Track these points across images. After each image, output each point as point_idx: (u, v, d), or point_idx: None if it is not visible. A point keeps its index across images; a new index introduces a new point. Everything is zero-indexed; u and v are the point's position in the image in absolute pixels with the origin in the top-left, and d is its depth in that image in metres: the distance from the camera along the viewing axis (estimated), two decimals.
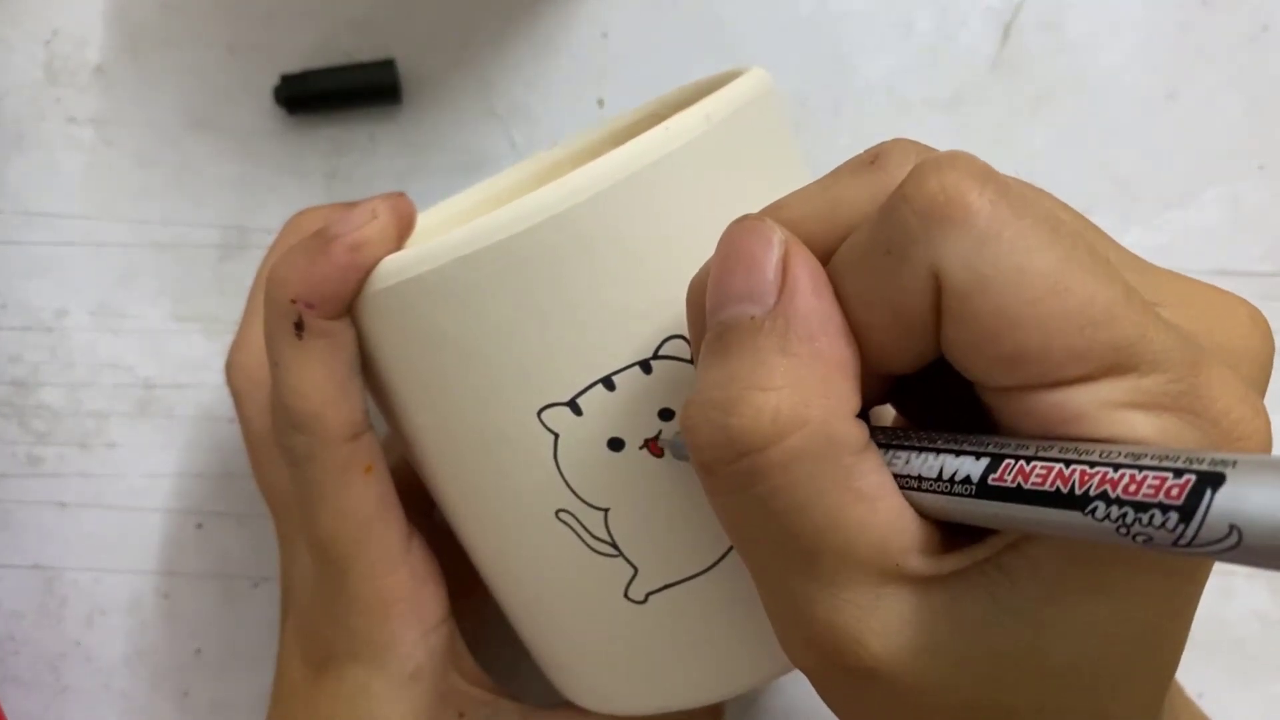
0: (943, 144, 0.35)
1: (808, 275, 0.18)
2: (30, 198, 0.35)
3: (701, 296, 0.19)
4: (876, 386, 0.19)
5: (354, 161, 0.35)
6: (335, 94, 0.34)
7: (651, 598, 0.24)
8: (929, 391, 0.20)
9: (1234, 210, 0.34)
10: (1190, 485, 0.14)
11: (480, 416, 0.23)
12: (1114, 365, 0.16)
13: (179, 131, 0.35)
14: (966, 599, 0.17)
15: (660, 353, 0.22)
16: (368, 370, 0.25)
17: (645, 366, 0.22)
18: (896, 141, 0.19)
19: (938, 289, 0.16)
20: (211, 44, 0.35)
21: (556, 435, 0.23)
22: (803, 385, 0.17)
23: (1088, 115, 0.34)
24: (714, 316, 0.18)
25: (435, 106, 0.35)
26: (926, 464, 0.17)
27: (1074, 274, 0.16)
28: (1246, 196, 0.34)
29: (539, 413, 0.23)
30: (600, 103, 0.35)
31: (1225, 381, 0.16)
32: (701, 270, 0.20)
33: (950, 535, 0.18)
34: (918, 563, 0.17)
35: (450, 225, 0.31)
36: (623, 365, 0.22)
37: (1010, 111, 0.34)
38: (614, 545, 0.24)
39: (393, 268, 0.23)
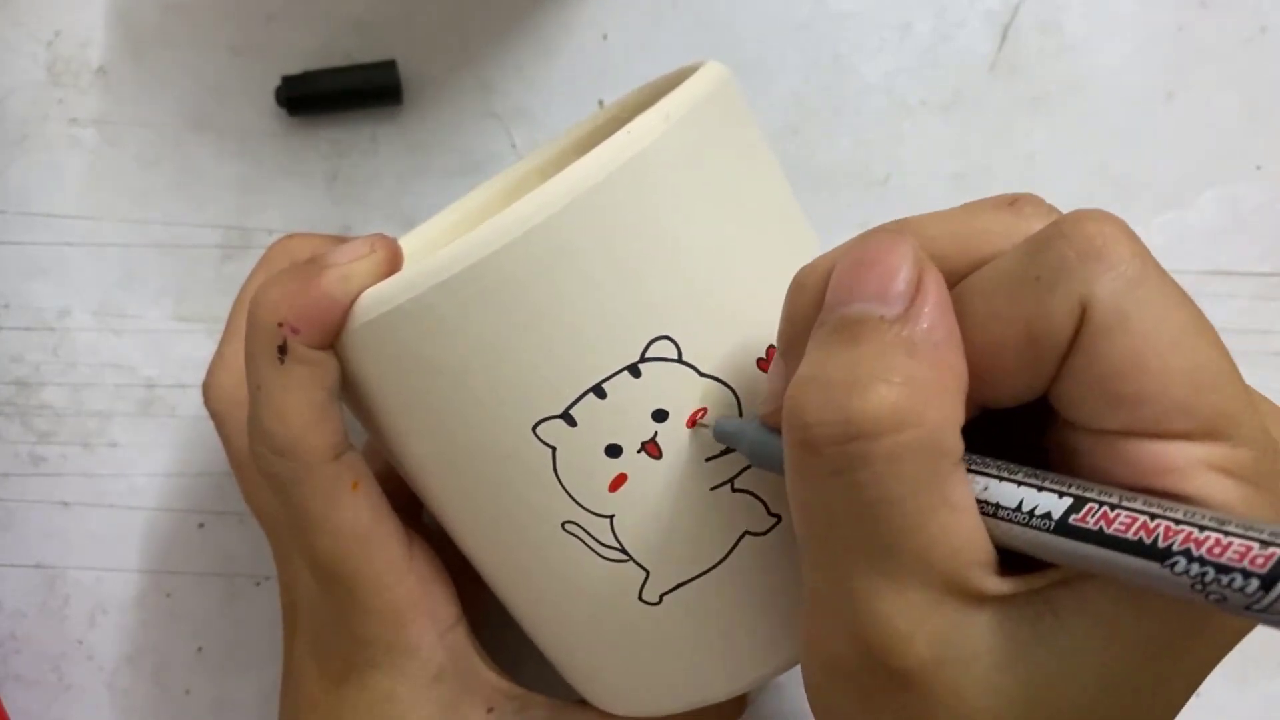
0: (942, 145, 0.35)
1: (939, 291, 0.19)
2: (32, 198, 0.36)
3: (805, 293, 0.20)
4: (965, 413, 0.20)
5: (355, 162, 0.35)
6: (336, 95, 0.34)
7: (665, 598, 0.24)
8: (998, 431, 0.21)
9: (1232, 211, 0.34)
10: (1277, 557, 0.15)
11: (476, 439, 0.23)
12: (1214, 430, 0.17)
13: (181, 132, 0.35)
14: (1013, 623, 0.18)
15: (647, 355, 0.22)
16: (359, 402, 0.25)
17: (634, 370, 0.22)
18: (1033, 195, 0.20)
19: (1080, 320, 0.17)
20: (213, 45, 0.35)
21: (554, 448, 0.23)
22: (924, 388, 0.18)
23: (1086, 116, 0.34)
24: (838, 309, 0.19)
25: (436, 107, 0.35)
26: (1007, 493, 0.18)
27: (1199, 336, 0.17)
28: (1244, 197, 0.34)
29: (534, 428, 0.23)
30: (601, 104, 0.35)
31: None
32: (812, 266, 0.20)
33: (1004, 563, 0.18)
34: (984, 579, 0.18)
35: (451, 234, 0.31)
36: (611, 372, 0.22)
37: (1009, 112, 0.34)
38: (623, 550, 0.24)
39: (373, 301, 0.23)
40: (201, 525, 0.35)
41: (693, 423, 0.23)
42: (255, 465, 0.25)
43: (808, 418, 0.18)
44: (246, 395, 0.25)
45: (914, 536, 0.18)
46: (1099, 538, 0.17)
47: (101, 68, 0.36)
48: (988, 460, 0.19)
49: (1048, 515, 0.17)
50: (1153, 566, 0.16)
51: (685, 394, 0.23)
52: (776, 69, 0.35)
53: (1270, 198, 0.34)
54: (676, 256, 0.22)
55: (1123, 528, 0.16)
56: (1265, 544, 0.15)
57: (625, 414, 0.23)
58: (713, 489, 0.23)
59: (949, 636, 0.18)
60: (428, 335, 0.22)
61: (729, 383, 0.23)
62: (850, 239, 0.20)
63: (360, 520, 0.25)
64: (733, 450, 0.23)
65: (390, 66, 0.34)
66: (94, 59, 0.35)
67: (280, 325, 0.23)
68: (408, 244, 0.29)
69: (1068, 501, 0.17)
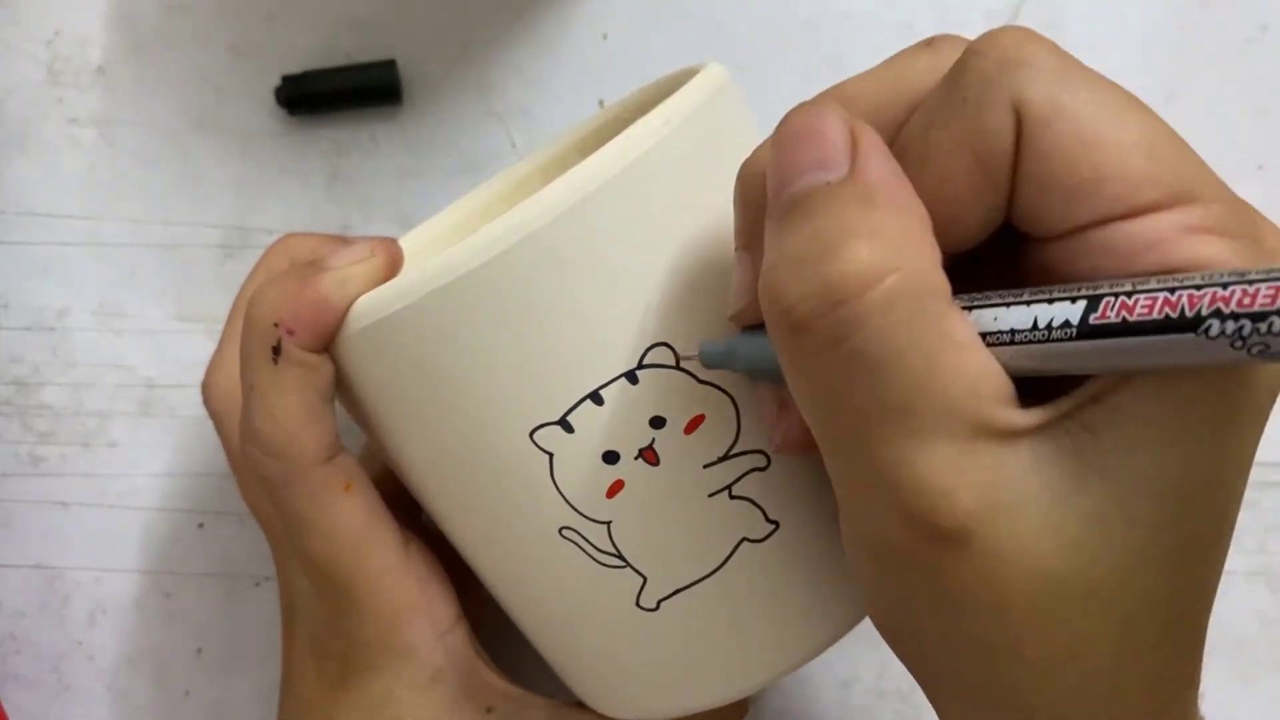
0: None
1: (875, 141, 0.18)
2: (32, 198, 0.36)
3: (753, 180, 0.19)
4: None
5: (355, 162, 0.35)
6: (336, 95, 0.34)
7: (663, 604, 0.24)
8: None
9: None
10: None
11: (473, 445, 0.23)
12: (1182, 194, 0.17)
13: (180, 132, 0.35)
14: (1052, 457, 0.17)
15: (645, 361, 0.22)
16: (355, 406, 0.25)
17: (631, 377, 0.22)
18: (950, 34, 0.20)
19: (1018, 124, 0.17)
20: (213, 45, 0.35)
21: (551, 455, 0.23)
22: (894, 234, 0.17)
23: None
24: (782, 194, 0.18)
25: (436, 107, 0.35)
26: (1018, 316, 0.17)
27: (1136, 109, 0.17)
28: (1246, 196, 0.34)
29: (531, 434, 0.23)
30: (601, 103, 0.35)
31: (1269, 225, 0.18)
32: (753, 155, 0.20)
33: (1027, 398, 0.18)
34: (1009, 415, 0.17)
35: (451, 234, 0.31)
36: (609, 378, 0.22)
37: None
38: (620, 557, 0.24)
39: (370, 306, 0.23)
40: (201, 525, 0.35)
41: (691, 429, 0.23)
42: (247, 466, 0.25)
43: (788, 299, 0.18)
44: None
45: (929, 385, 0.17)
46: (1126, 328, 0.16)
47: (101, 67, 0.35)
48: (985, 294, 0.18)
49: (1066, 324, 0.17)
50: (1187, 339, 0.16)
51: (683, 401, 0.23)
52: (777, 69, 0.35)
53: (1272, 197, 0.34)
54: (674, 263, 0.22)
55: (1146, 310, 0.16)
56: None
57: (623, 420, 0.23)
58: (710, 495, 0.23)
59: (993, 482, 0.17)
60: (424, 341, 0.22)
61: (727, 389, 0.23)
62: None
63: (354, 522, 0.25)
64: (731, 457, 0.23)
65: (390, 66, 0.34)
66: (94, 58, 0.35)
67: (276, 326, 0.23)
68: (407, 244, 0.29)
69: (1082, 304, 0.17)
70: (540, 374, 0.22)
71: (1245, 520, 0.34)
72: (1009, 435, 0.17)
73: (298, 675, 0.28)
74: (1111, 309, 0.16)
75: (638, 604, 0.24)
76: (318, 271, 0.23)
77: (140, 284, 0.35)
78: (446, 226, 0.31)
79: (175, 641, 0.36)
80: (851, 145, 0.18)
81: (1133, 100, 0.18)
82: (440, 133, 0.35)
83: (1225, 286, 0.15)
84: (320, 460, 0.24)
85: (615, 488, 0.23)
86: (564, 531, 0.23)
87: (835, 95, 0.20)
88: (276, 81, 0.35)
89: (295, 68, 0.35)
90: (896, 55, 0.20)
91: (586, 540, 0.23)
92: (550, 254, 0.21)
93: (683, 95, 0.23)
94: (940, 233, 0.18)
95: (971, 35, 0.35)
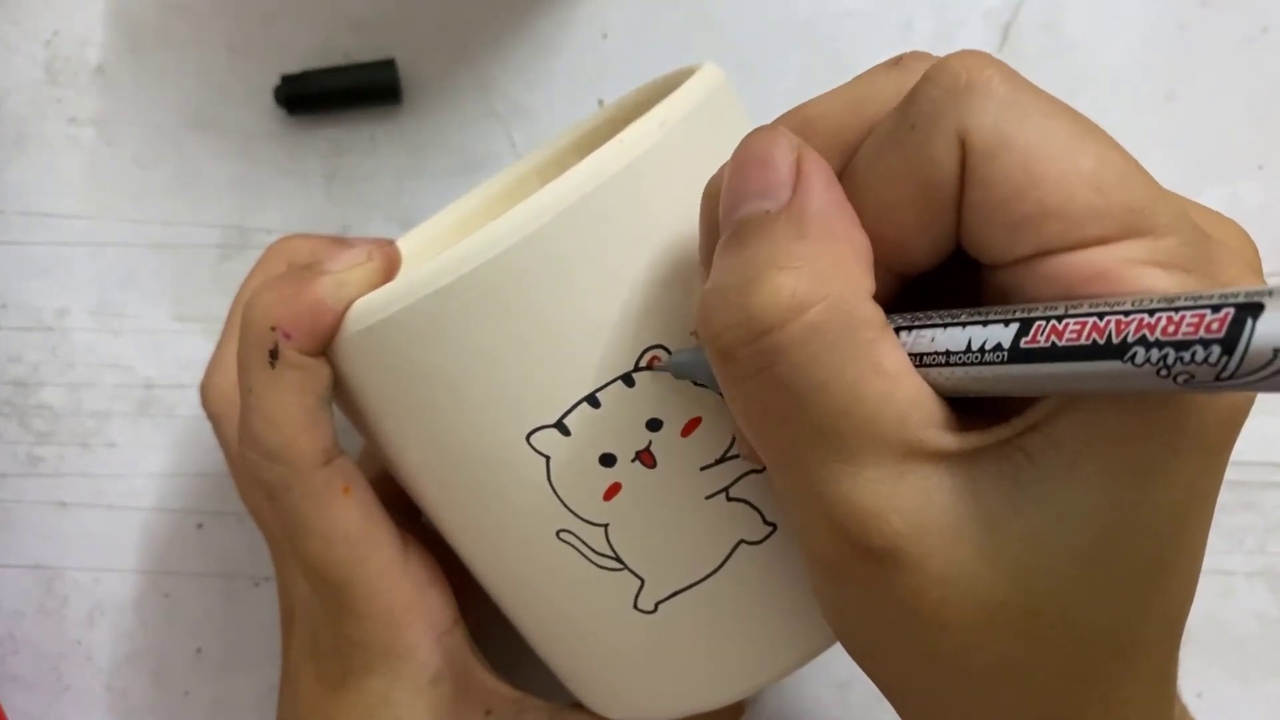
0: None
1: (821, 170, 0.18)
2: (31, 198, 0.35)
3: (716, 201, 0.20)
4: (885, 289, 0.19)
5: (354, 162, 0.35)
6: (335, 94, 0.34)
7: (661, 606, 0.24)
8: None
9: (1233, 210, 0.34)
10: (1230, 317, 0.14)
11: (470, 447, 0.23)
12: (1131, 227, 0.16)
13: (179, 132, 0.35)
14: (989, 480, 0.17)
15: (641, 364, 0.22)
16: (353, 409, 0.25)
17: (628, 380, 0.22)
18: (919, 51, 0.20)
19: (963, 155, 0.17)
20: (212, 44, 0.35)
21: (548, 458, 0.23)
22: (820, 265, 0.17)
23: (1087, 115, 0.34)
24: (729, 219, 0.19)
25: (435, 107, 0.35)
26: (953, 338, 0.17)
27: (1091, 139, 0.17)
28: (1246, 196, 0.34)
29: (527, 437, 0.22)
30: (600, 103, 0.35)
31: (1231, 256, 0.17)
32: (716, 175, 0.20)
33: (967, 421, 0.18)
34: (940, 438, 0.17)
35: (449, 234, 0.31)
36: (605, 381, 0.22)
37: None
38: (618, 559, 0.24)
39: (366, 309, 0.23)
40: (200, 526, 0.35)
41: (688, 432, 0.23)
42: (246, 470, 0.25)
43: (715, 327, 0.18)
44: None
45: (854, 411, 0.17)
46: (1055, 353, 0.16)
47: (100, 67, 0.35)
48: (926, 314, 0.18)
49: (999, 347, 0.17)
50: (1114, 366, 0.15)
51: (680, 403, 0.23)
52: (776, 68, 0.35)
53: (1272, 197, 0.34)
54: (671, 265, 0.22)
55: (1075, 335, 0.16)
56: (1217, 307, 0.14)
57: (619, 423, 0.22)
58: (707, 498, 0.23)
59: (924, 505, 0.17)
60: (420, 344, 0.22)
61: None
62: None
63: (352, 525, 0.25)
64: (728, 459, 0.23)
65: (389, 66, 0.34)
66: (93, 58, 0.35)
67: (273, 329, 0.23)
68: (406, 245, 0.29)
69: (1015, 327, 0.16)
70: (536, 376, 0.22)
71: (1246, 521, 0.34)
72: (942, 458, 0.17)
73: (296, 676, 0.28)
74: (1042, 333, 0.16)
75: (635, 606, 0.24)
76: (315, 275, 0.23)
77: (139, 284, 0.35)
78: (445, 227, 0.31)
79: (174, 642, 0.36)
80: (795, 173, 0.18)
81: (1088, 129, 0.17)
82: (439, 133, 0.35)
83: (1152, 313, 0.15)
84: (319, 463, 0.24)
85: (612, 490, 0.23)
86: (561, 534, 0.23)
87: (799, 115, 0.20)
88: (276, 81, 0.35)
89: (294, 67, 0.35)
90: (863, 74, 0.20)
91: (584, 543, 0.23)
92: (547, 256, 0.21)
93: (678, 97, 0.23)
94: (889, 257, 0.18)
95: (971, 36, 0.35)
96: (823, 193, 0.18)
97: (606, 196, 0.21)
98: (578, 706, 0.28)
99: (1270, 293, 0.14)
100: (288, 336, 0.23)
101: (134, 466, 0.35)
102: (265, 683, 0.35)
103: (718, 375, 0.19)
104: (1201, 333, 0.14)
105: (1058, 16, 0.34)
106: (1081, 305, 0.16)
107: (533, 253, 0.21)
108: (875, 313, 0.18)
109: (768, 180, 0.18)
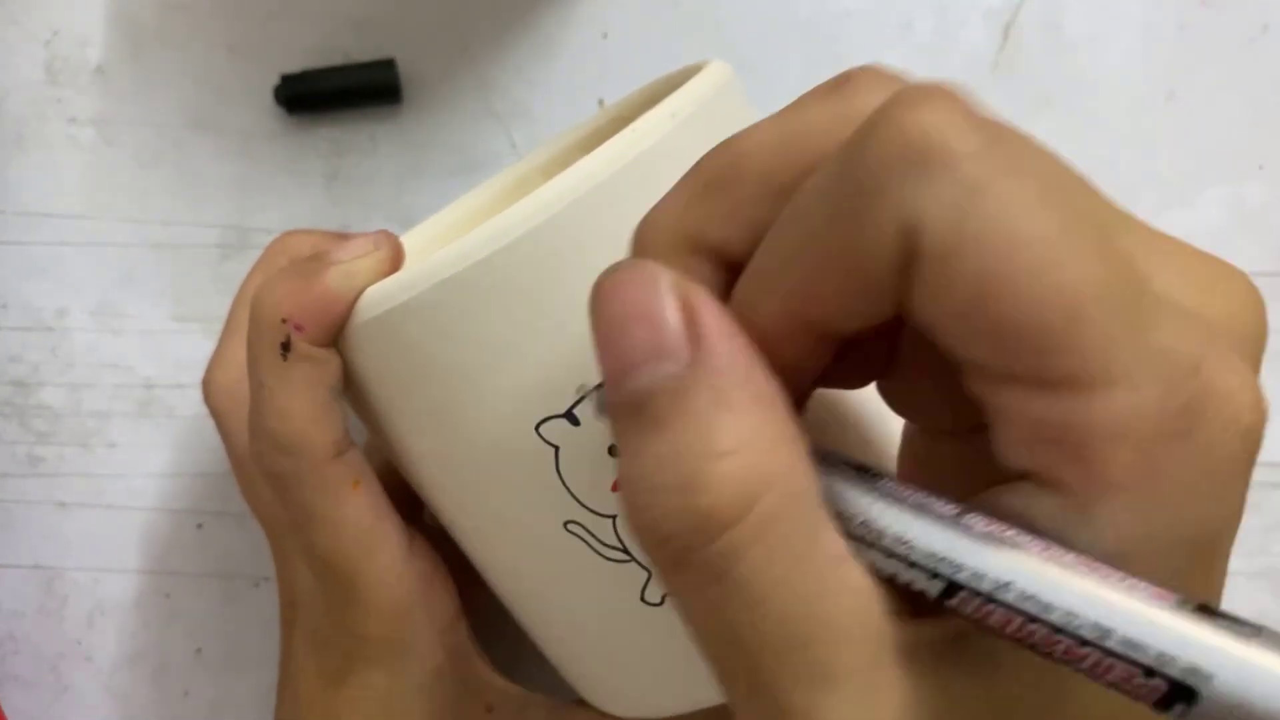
0: None
1: (713, 313, 0.16)
2: (31, 198, 0.35)
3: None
4: (814, 353, 0.17)
5: (354, 162, 0.35)
6: (335, 94, 0.34)
7: (668, 599, 0.24)
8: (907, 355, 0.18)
9: (1235, 210, 0.34)
10: (1163, 693, 0.13)
11: (478, 437, 0.23)
12: (1102, 373, 0.14)
13: (179, 132, 0.35)
14: (958, 685, 0.15)
15: None
16: (361, 400, 0.25)
17: None
18: (869, 66, 0.16)
19: (908, 248, 0.14)
20: (212, 44, 0.35)
21: (556, 448, 0.23)
22: (758, 440, 0.15)
23: (1088, 115, 0.34)
24: (622, 389, 0.16)
25: (435, 107, 0.35)
26: (892, 530, 0.15)
27: (1077, 238, 0.14)
28: (1247, 196, 0.34)
29: (536, 427, 0.22)
30: (600, 103, 0.35)
31: (1232, 367, 0.14)
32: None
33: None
34: (902, 629, 0.15)
35: (450, 233, 0.31)
36: None
37: (1010, 112, 0.34)
38: (625, 551, 0.24)
39: (376, 297, 0.23)
40: (200, 526, 0.35)
41: None
42: (256, 463, 0.25)
43: (661, 532, 0.15)
44: (246, 392, 0.25)
45: (818, 610, 0.15)
46: (978, 624, 0.14)
47: (100, 67, 0.35)
48: (846, 479, 0.16)
49: (923, 592, 0.15)
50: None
51: None
52: (777, 68, 0.35)
53: (1273, 196, 0.34)
54: None
55: (999, 626, 0.14)
56: (1149, 672, 0.13)
57: None
58: None
59: (904, 714, 0.15)
60: (431, 332, 0.22)
61: None
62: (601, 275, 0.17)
63: (361, 518, 0.25)
64: None
65: (389, 65, 0.34)
66: (92, 58, 0.35)
67: (284, 322, 0.23)
68: (406, 243, 0.29)
69: (940, 585, 0.14)
70: (547, 366, 0.22)
71: (1248, 522, 0.34)
72: (912, 653, 0.15)
73: (297, 670, 0.28)
74: (968, 607, 0.14)
75: (642, 599, 0.24)
76: (323, 266, 0.23)
77: (139, 284, 0.35)
78: (445, 226, 0.31)
79: (174, 642, 0.36)
80: (690, 321, 0.15)
81: (1081, 217, 0.14)
82: (440, 132, 0.35)
83: (1082, 645, 0.13)
84: (330, 456, 0.24)
85: None
86: (569, 525, 0.23)
87: (730, 151, 0.17)
88: (275, 81, 0.35)
89: (294, 67, 0.35)
90: (801, 98, 0.17)
91: (591, 534, 0.23)
92: (559, 244, 0.21)
93: (689, 90, 0.23)
94: (817, 316, 0.16)
95: (971, 36, 0.35)
96: (728, 343, 0.15)
97: (619, 185, 0.21)
98: (580, 704, 0.28)
99: (1211, 676, 0.12)
100: (299, 328, 0.23)
101: (134, 466, 0.35)
102: (265, 683, 0.35)
103: (667, 586, 0.16)
104: (1132, 688, 0.13)
105: (1058, 16, 0.34)
106: (1010, 589, 0.14)
107: (545, 241, 0.21)
108: (813, 483, 0.15)
109: (659, 338, 0.15)
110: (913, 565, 0.15)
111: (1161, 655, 0.13)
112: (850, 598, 0.15)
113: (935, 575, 0.15)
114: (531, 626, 0.27)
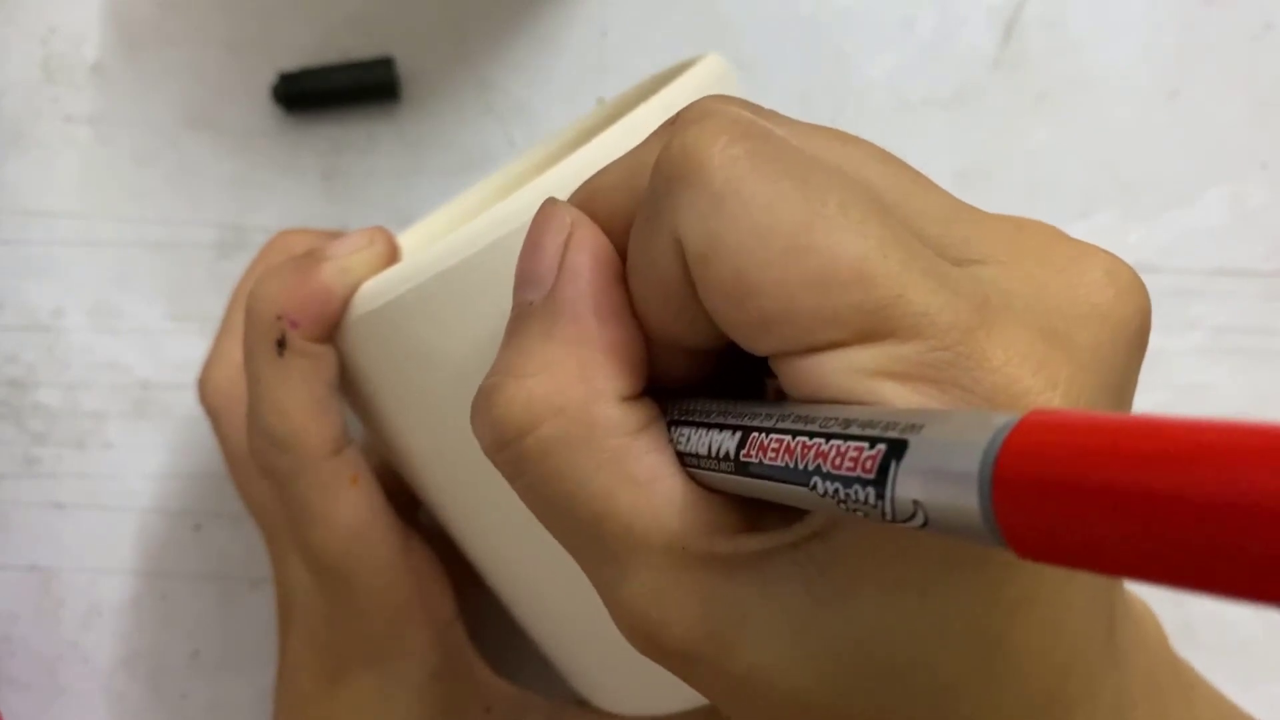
0: (945, 142, 0.35)
1: (587, 256, 0.17)
2: (27, 196, 0.35)
3: None
4: (688, 362, 0.18)
5: (352, 160, 0.35)
6: (333, 92, 0.34)
7: None
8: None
9: (1237, 209, 0.34)
10: (880, 457, 0.12)
11: None
12: (868, 330, 0.14)
13: (176, 130, 0.35)
14: (782, 585, 0.15)
15: None
16: (357, 396, 0.25)
17: None
18: (701, 101, 0.17)
19: (682, 261, 0.16)
20: (209, 42, 0.35)
21: None
22: (559, 371, 0.17)
23: (1089, 114, 0.34)
24: (513, 302, 0.18)
25: (434, 105, 0.35)
26: (701, 440, 0.16)
27: (819, 232, 0.15)
28: (1249, 195, 0.34)
29: None
30: (600, 101, 0.35)
31: (1014, 343, 0.15)
32: None
33: (763, 516, 0.17)
34: (708, 543, 0.16)
35: (448, 230, 0.31)
36: None
37: (1012, 110, 0.34)
38: None
39: (372, 292, 0.22)
40: (197, 527, 0.35)
41: None
42: (254, 460, 0.25)
43: (475, 428, 0.18)
44: (242, 391, 0.25)
45: (609, 523, 0.16)
46: (762, 470, 0.15)
47: (96, 65, 0.35)
48: (693, 405, 0.17)
49: (728, 455, 0.15)
50: (803, 492, 0.14)
51: None
52: (778, 66, 0.35)
53: (1275, 195, 0.34)
54: None
55: (774, 455, 0.14)
56: (874, 441, 0.13)
57: None
58: None
59: (705, 610, 0.16)
60: (428, 325, 0.22)
61: None
62: None
63: (358, 516, 0.25)
64: None
65: (387, 64, 0.34)
66: (89, 56, 0.35)
67: (279, 318, 0.23)
68: (404, 241, 0.29)
69: (737, 437, 0.15)
70: None
71: None
72: (721, 562, 0.16)
73: (294, 670, 0.28)
74: (754, 447, 0.15)
75: None
76: (318, 261, 0.23)
77: (135, 283, 0.35)
78: (442, 224, 0.31)
79: (171, 643, 0.35)
80: (559, 259, 0.17)
81: (824, 213, 0.15)
82: (438, 130, 0.35)
83: (828, 439, 0.13)
84: (328, 453, 0.24)
85: None
86: None
87: (587, 187, 0.18)
88: (273, 79, 0.34)
89: (292, 65, 0.34)
90: (649, 137, 0.18)
91: None
92: None
93: (683, 82, 0.23)
94: (671, 335, 0.17)
95: (970, 36, 0.35)
96: (580, 283, 0.17)
97: None
98: (578, 704, 0.27)
99: (921, 426, 0.12)
100: (295, 324, 0.23)
101: (131, 467, 0.35)
102: (263, 685, 0.35)
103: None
104: (859, 471, 0.13)
105: (1061, 14, 0.34)
106: (788, 417, 0.14)
107: None
108: (624, 417, 0.17)
109: (535, 267, 0.17)
110: (724, 428, 0.16)
111: (890, 421, 0.13)
112: (647, 514, 0.16)
113: (736, 429, 0.15)
114: (530, 624, 0.27)
